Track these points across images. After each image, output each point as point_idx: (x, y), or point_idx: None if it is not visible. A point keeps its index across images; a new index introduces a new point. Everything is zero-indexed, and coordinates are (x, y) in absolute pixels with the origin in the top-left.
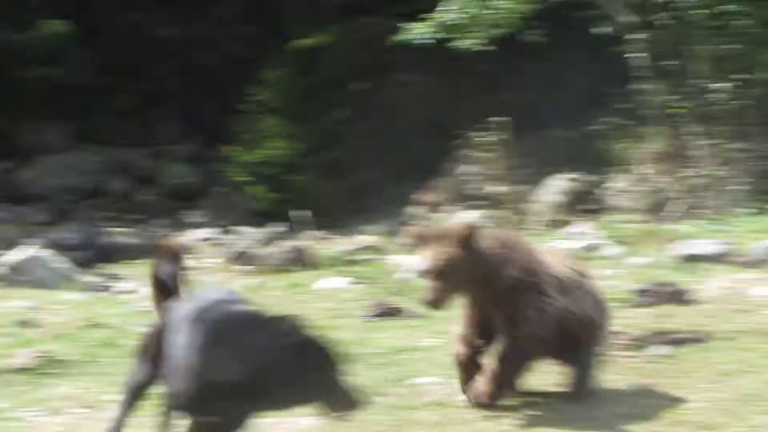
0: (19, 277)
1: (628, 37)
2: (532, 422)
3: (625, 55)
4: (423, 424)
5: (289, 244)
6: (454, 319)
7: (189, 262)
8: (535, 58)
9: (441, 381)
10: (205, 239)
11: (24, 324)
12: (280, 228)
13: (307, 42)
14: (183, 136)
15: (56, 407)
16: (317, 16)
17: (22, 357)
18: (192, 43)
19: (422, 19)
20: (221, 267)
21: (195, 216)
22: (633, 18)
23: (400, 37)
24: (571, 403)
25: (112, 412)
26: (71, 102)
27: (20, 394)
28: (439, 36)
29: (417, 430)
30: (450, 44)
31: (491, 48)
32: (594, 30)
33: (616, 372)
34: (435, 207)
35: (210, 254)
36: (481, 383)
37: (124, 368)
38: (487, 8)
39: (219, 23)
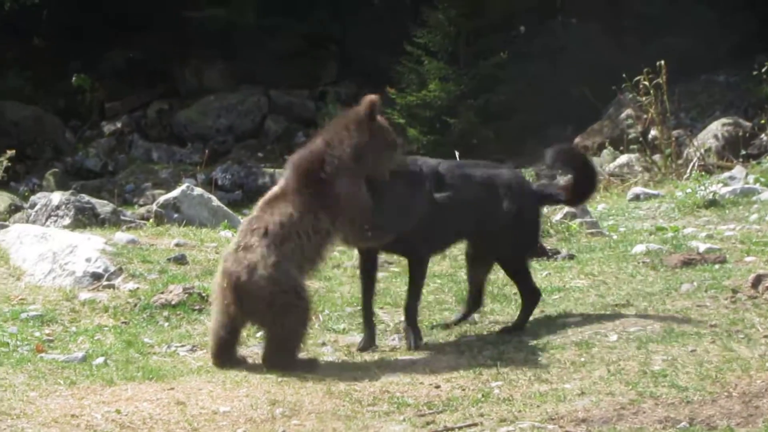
0: (171, 214)
1: None
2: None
3: None
4: (567, 364)
5: None
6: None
7: None
8: (698, 1)
9: (588, 321)
10: None
11: (175, 261)
12: None
13: None
14: (342, 78)
15: (202, 342)
16: None
17: (172, 293)
18: None
19: None
20: None
21: None
22: None
23: None
24: None
25: (259, 347)
26: (232, 43)
27: (169, 330)
28: None
29: (560, 369)
30: None
31: None
32: None
33: None
34: (593, 151)
35: None
36: None
37: None
38: None
39: None
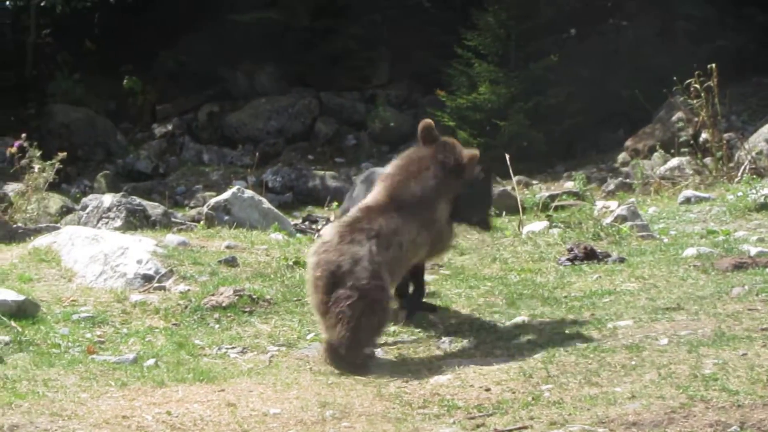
0: (222, 216)
1: None
2: None
3: None
4: (617, 368)
5: (494, 188)
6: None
7: None
8: (749, 2)
9: (639, 325)
10: None
11: (226, 263)
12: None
13: None
14: (393, 80)
15: (253, 344)
16: None
17: (222, 295)
18: None
19: None
20: None
21: None
22: None
23: None
24: None
25: (309, 350)
26: (284, 45)
27: (219, 332)
28: None
29: (611, 372)
30: None
31: None
32: None
33: None
34: (643, 154)
35: None
36: None
37: None
38: None
39: None
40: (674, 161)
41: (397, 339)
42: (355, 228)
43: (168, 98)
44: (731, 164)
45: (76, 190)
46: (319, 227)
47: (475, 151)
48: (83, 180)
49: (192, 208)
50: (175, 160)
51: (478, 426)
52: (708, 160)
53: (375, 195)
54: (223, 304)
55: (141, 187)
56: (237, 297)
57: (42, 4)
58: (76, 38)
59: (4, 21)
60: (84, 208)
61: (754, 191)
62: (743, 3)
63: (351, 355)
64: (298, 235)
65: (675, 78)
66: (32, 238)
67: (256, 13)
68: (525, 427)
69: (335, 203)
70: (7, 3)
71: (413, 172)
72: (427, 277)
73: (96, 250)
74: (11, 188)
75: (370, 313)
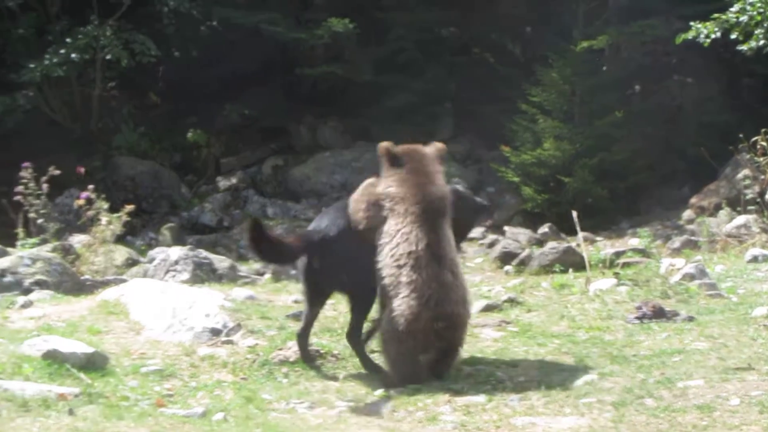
0: (289, 271)
1: None
2: None
3: None
4: (688, 428)
5: (558, 245)
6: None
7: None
8: None
9: (709, 384)
10: (473, 238)
11: (293, 317)
12: (549, 229)
13: (590, 43)
14: (456, 135)
15: (321, 399)
16: (600, 18)
17: (290, 350)
18: (471, 42)
19: (708, 20)
20: (488, 266)
21: None
22: None
23: (684, 36)
24: None
25: (377, 406)
26: (347, 100)
27: (287, 386)
28: (723, 35)
29: None
30: (737, 47)
31: None
32: None
33: None
34: (709, 211)
35: (477, 254)
36: None
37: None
38: None
39: (499, 22)
40: (740, 219)
41: (465, 397)
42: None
43: (232, 151)
44: None
45: (141, 242)
46: None
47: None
48: (148, 232)
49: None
50: (239, 214)
51: None
52: None
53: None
54: (291, 359)
55: (206, 240)
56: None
57: (108, 57)
58: (141, 91)
59: None
60: (151, 260)
61: None
62: None
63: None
64: None
65: (741, 135)
66: (100, 290)
67: (321, 67)
68: None
69: None
70: (73, 56)
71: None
72: (494, 334)
73: (164, 303)
74: (77, 240)
75: (462, 333)
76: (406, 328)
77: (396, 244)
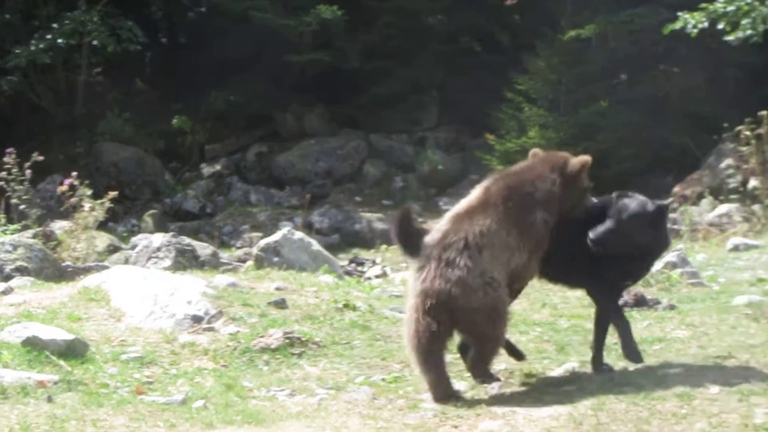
0: (272, 258)
1: None
2: None
3: None
4: (668, 416)
5: None
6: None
7: None
8: None
9: (689, 372)
10: None
11: (276, 305)
12: None
13: (577, 32)
14: (442, 123)
15: (302, 387)
16: (589, 7)
17: (272, 337)
18: (459, 31)
19: (696, 10)
20: None
21: (449, 203)
22: None
23: (672, 26)
24: None
25: (358, 393)
26: (334, 87)
27: (268, 374)
28: (710, 25)
29: (661, 421)
30: (724, 37)
31: (759, 41)
32: None
33: None
34: (692, 200)
35: None
36: None
37: (374, 351)
38: (763, 1)
39: (487, 11)
40: (723, 208)
41: None
42: (444, 244)
43: (217, 138)
44: None
45: (123, 229)
46: (365, 270)
47: (588, 159)
48: (130, 219)
49: (239, 248)
50: (222, 201)
51: None
52: (757, 207)
53: (476, 195)
54: (272, 347)
55: (188, 227)
56: (286, 339)
57: (94, 43)
58: (127, 77)
59: None
60: (133, 247)
61: None
62: None
63: (487, 372)
64: (346, 277)
65: (725, 125)
66: (81, 277)
67: (308, 55)
68: None
69: (383, 245)
70: (59, 42)
71: (527, 180)
72: None
73: (145, 290)
74: (59, 226)
75: (494, 324)
76: (409, 304)
77: None
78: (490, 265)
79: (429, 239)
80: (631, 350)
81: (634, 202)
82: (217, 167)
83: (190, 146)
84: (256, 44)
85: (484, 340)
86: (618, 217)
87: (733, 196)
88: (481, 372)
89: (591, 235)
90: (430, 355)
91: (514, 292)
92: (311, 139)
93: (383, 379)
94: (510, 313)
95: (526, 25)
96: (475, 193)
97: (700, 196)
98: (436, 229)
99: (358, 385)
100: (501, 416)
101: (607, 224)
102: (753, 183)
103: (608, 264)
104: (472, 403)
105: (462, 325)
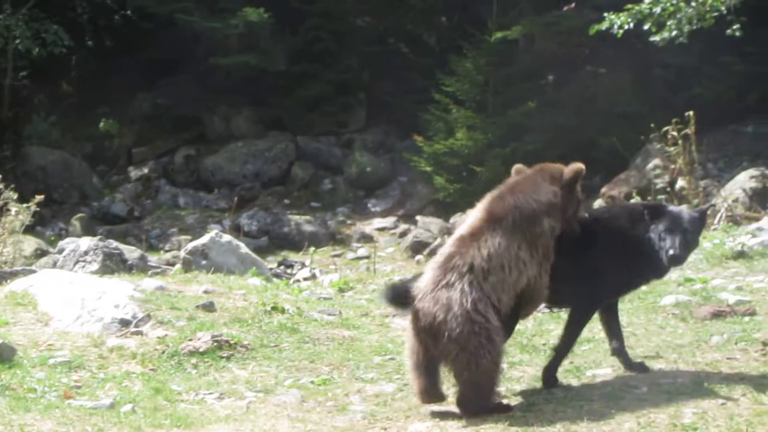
0: (200, 261)
1: None
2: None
3: None
4: (597, 416)
5: None
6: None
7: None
8: (726, 52)
9: (618, 373)
10: (385, 228)
11: (204, 308)
12: (461, 218)
13: (504, 34)
14: (370, 125)
15: (230, 390)
16: (515, 8)
17: (200, 341)
18: (386, 32)
19: (621, 10)
20: (400, 256)
21: (377, 205)
22: None
23: (598, 27)
24: None
25: (286, 396)
26: (261, 90)
27: (197, 377)
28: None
29: (590, 421)
30: (650, 38)
31: (684, 41)
32: None
33: None
34: (621, 200)
35: (388, 243)
36: None
37: (303, 354)
38: (688, 2)
39: (414, 13)
40: None
41: (376, 387)
42: (449, 267)
43: (144, 141)
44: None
45: (50, 233)
46: (294, 272)
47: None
48: (58, 222)
49: (167, 251)
50: (150, 204)
51: None
52: (684, 207)
53: (480, 213)
54: (201, 350)
55: (116, 231)
56: (215, 342)
57: (19, 46)
58: (53, 81)
59: None
60: (60, 251)
61: (731, 239)
62: (720, 52)
63: (479, 409)
64: (275, 280)
65: (652, 125)
66: (8, 281)
67: (234, 57)
68: None
69: (312, 248)
70: None
71: (528, 192)
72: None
73: (73, 294)
74: None
75: (476, 359)
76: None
77: None
78: (493, 292)
79: (431, 263)
80: (553, 372)
81: (681, 211)
82: (145, 170)
83: (117, 149)
84: (183, 47)
85: (462, 373)
86: (682, 228)
87: (660, 197)
88: (469, 408)
89: (670, 252)
90: (421, 368)
91: (524, 316)
92: (239, 142)
93: (312, 382)
94: (502, 351)
95: (453, 26)
96: (477, 214)
97: (628, 197)
98: (439, 252)
99: (287, 387)
100: (430, 417)
101: (677, 238)
102: (680, 183)
103: (605, 281)
104: (401, 404)
105: (442, 353)
